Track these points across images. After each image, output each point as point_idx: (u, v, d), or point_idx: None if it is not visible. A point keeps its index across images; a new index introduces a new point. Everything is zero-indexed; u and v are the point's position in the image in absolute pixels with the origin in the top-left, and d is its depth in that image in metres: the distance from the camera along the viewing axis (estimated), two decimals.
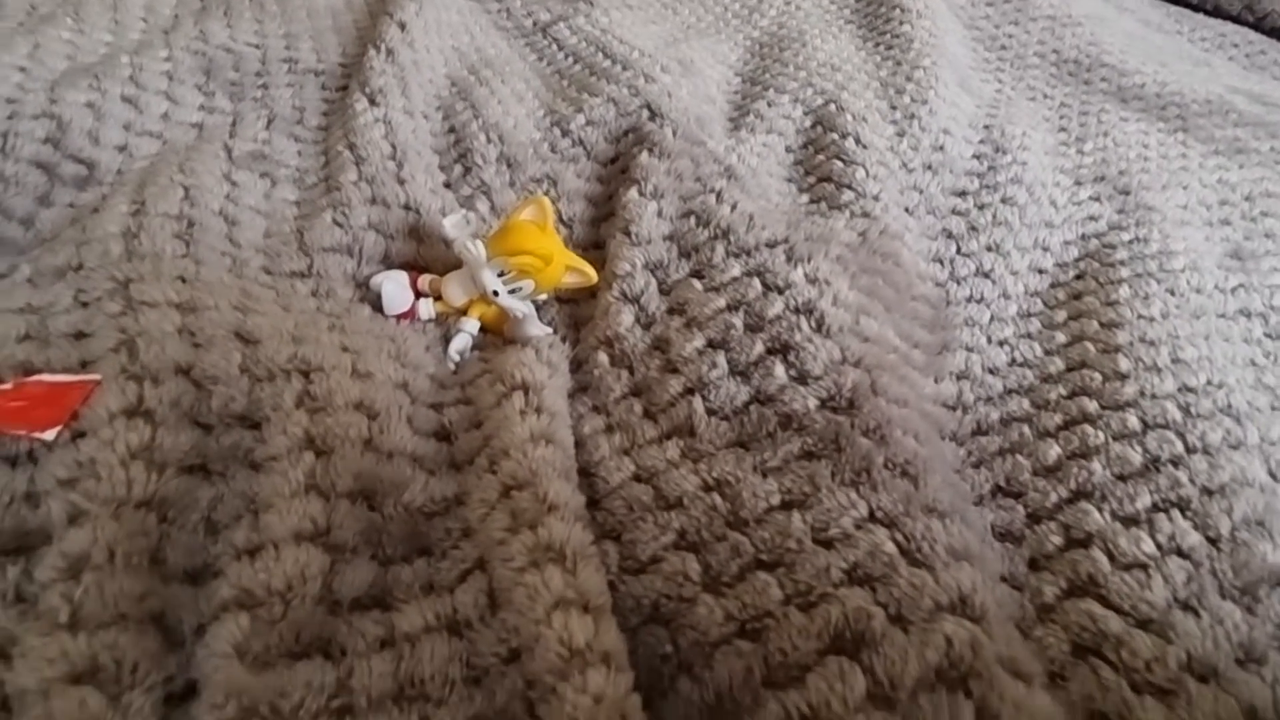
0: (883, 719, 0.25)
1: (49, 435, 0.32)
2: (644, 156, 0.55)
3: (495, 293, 0.44)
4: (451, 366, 0.44)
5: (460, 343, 0.45)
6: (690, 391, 0.40)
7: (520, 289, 0.45)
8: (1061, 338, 0.49)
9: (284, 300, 0.42)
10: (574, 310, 0.49)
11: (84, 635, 0.26)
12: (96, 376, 0.34)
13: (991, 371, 0.46)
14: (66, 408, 0.33)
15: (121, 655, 0.25)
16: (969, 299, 0.52)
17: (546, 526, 0.30)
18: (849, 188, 0.56)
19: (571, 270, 0.46)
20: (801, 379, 0.38)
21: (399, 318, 0.46)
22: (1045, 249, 0.57)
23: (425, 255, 0.50)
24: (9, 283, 0.40)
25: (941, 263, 0.55)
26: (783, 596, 0.29)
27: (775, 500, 0.33)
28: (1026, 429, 0.41)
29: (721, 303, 0.43)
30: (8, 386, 0.33)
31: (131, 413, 0.32)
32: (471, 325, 0.46)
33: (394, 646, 0.29)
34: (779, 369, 0.39)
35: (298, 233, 0.48)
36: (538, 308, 0.47)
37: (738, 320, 0.42)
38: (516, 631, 0.28)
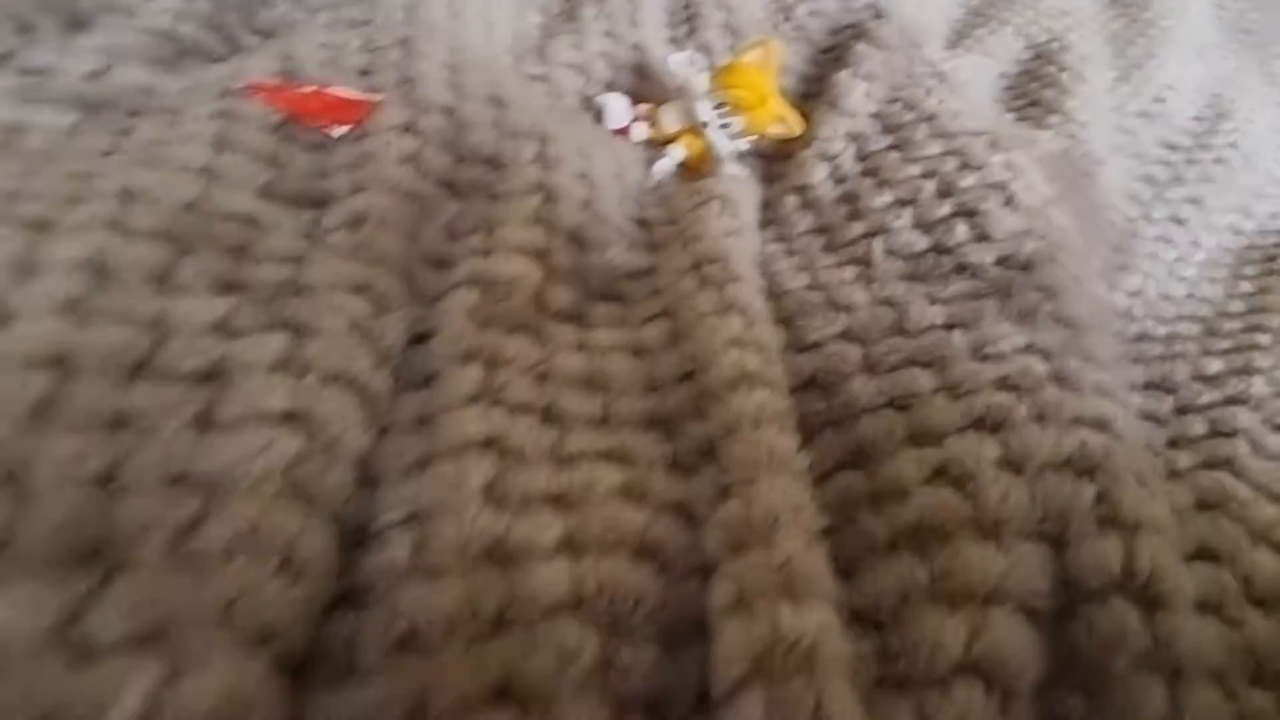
0: (1009, 480, 0.27)
1: (337, 132, 0.38)
2: (861, 46, 0.57)
3: (706, 124, 0.48)
4: (651, 184, 0.49)
5: (664, 165, 0.49)
6: (872, 234, 0.42)
7: (730, 125, 0.48)
8: (1247, 287, 0.48)
9: (525, 90, 0.47)
10: (768, 167, 0.53)
11: (359, 264, 0.31)
12: (379, 98, 0.40)
13: (1166, 298, 0.47)
14: (354, 116, 0.39)
15: (385, 283, 0.31)
16: (1157, 238, 0.52)
17: (732, 288, 0.34)
18: (1059, 112, 0.57)
19: (780, 119, 0.49)
20: (982, 238, 0.40)
21: (615, 133, 0.50)
22: (1249, 215, 0.56)
23: (644, 90, 0.55)
24: (309, 25, 0.46)
25: (1138, 202, 0.55)
26: (933, 386, 0.32)
27: (939, 320, 0.35)
28: (1191, 346, 0.42)
29: (916, 170, 0.45)
30: (311, 90, 0.40)
31: (405, 129, 0.38)
32: (677, 152, 0.50)
33: (586, 350, 0.33)
34: (961, 228, 0.41)
35: (540, 47, 0.53)
36: (738, 155, 0.51)
37: (930, 185, 0.44)
38: (693, 358, 0.32)
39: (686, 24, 0.61)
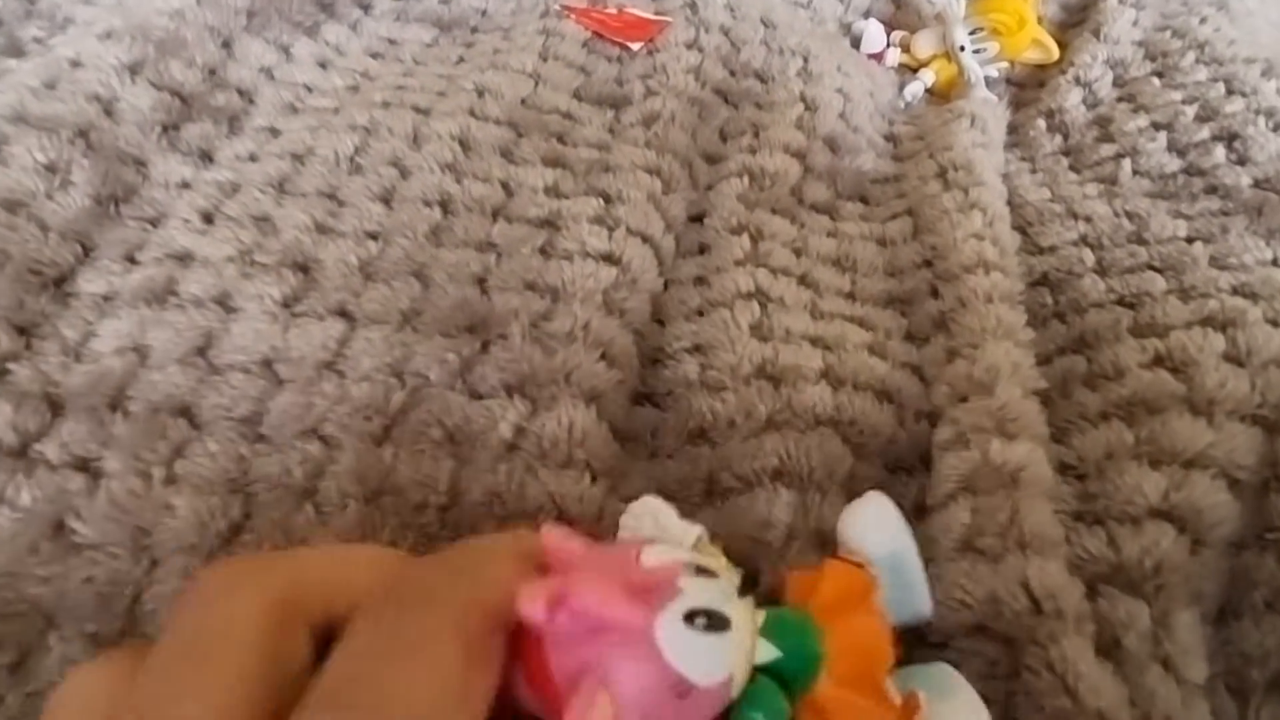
0: (1230, 369, 0.30)
1: (635, 46, 0.45)
2: None
3: (962, 48, 0.51)
4: (901, 105, 0.52)
5: (915, 88, 0.52)
6: (1121, 156, 0.44)
7: (985, 50, 0.51)
8: None
9: (791, 14, 0.52)
10: (1019, 94, 0.54)
11: (653, 152, 0.38)
12: (668, 18, 0.46)
13: None
14: (647, 33, 0.46)
15: (671, 169, 0.38)
16: None
17: (975, 191, 0.38)
18: None
19: (1036, 44, 0.51)
20: (1240, 162, 0.41)
21: (870, 56, 0.54)
22: None
23: (899, 18, 0.57)
24: None
25: None
26: (1166, 289, 0.34)
27: (1181, 233, 0.37)
28: None
29: (1177, 96, 0.46)
30: (612, 10, 0.47)
31: (690, 45, 0.45)
32: (927, 76, 0.53)
33: (836, 236, 0.38)
34: (1219, 151, 0.41)
35: None
36: (988, 82, 0.53)
37: (1189, 110, 0.44)
38: (933, 248, 0.36)
39: None
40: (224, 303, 0.29)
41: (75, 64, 0.35)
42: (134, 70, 0.36)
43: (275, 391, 0.27)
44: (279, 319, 0.29)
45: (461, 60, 0.44)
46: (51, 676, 0.22)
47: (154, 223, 0.33)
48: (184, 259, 0.31)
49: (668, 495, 0.27)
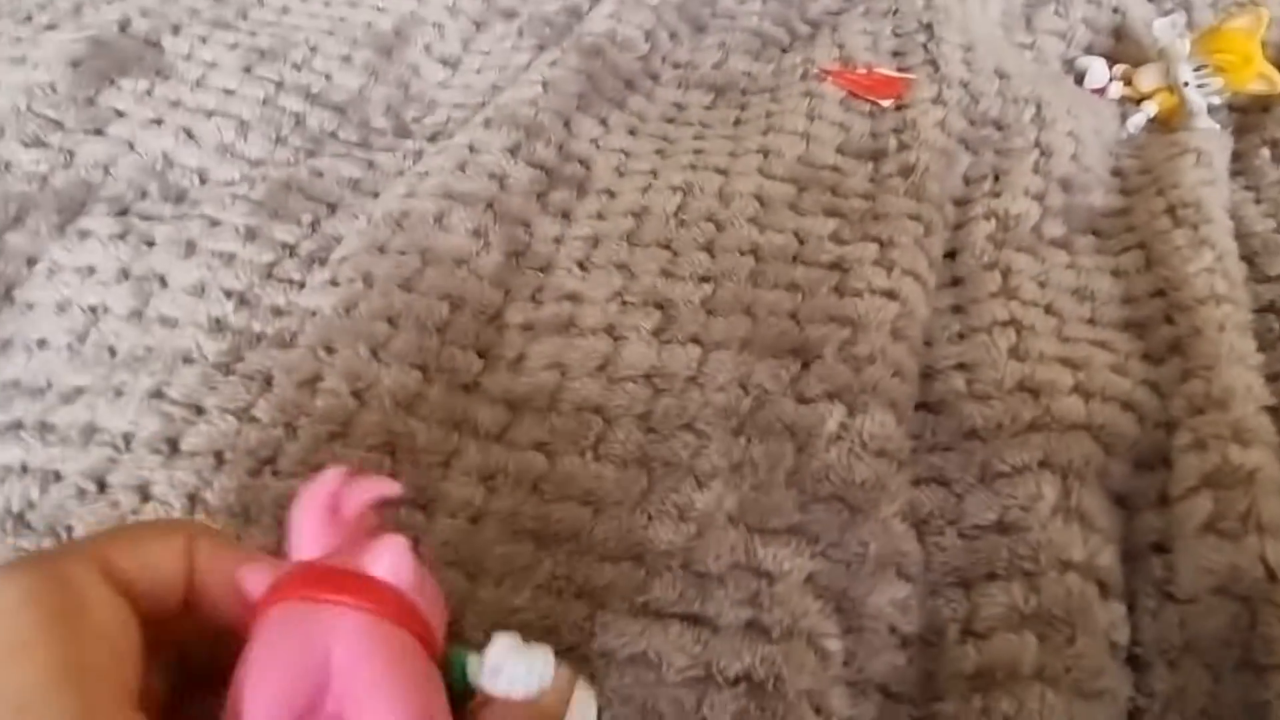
0: None
1: (885, 103, 0.53)
2: None
3: (1186, 83, 0.55)
4: (1124, 136, 0.57)
5: (1138, 120, 0.57)
6: None
7: (1207, 85, 0.55)
8: None
9: (1019, 59, 0.58)
10: (1242, 119, 0.58)
11: (912, 200, 0.46)
12: (913, 76, 0.54)
13: None
14: (895, 90, 0.54)
15: (930, 215, 0.46)
16: None
17: (1205, 229, 0.44)
18: None
19: (1261, 77, 0.55)
20: None
21: (1094, 91, 0.59)
22: None
23: (1119, 51, 0.62)
24: (850, 15, 0.62)
25: None
26: None
27: None
28: None
29: None
30: (863, 71, 0.55)
31: (934, 100, 0.52)
32: (1150, 108, 0.57)
33: (1074, 269, 0.45)
34: None
35: (1026, 16, 0.63)
36: (1210, 110, 0.57)
37: None
38: (1166, 280, 0.43)
39: None
40: (610, 332, 0.40)
41: (474, 150, 0.48)
42: (513, 151, 0.48)
43: (655, 400, 0.38)
44: (651, 345, 0.40)
45: (739, 122, 0.54)
46: None
47: (543, 270, 0.44)
48: (574, 298, 0.42)
49: (947, 480, 0.36)
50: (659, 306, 0.41)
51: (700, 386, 0.38)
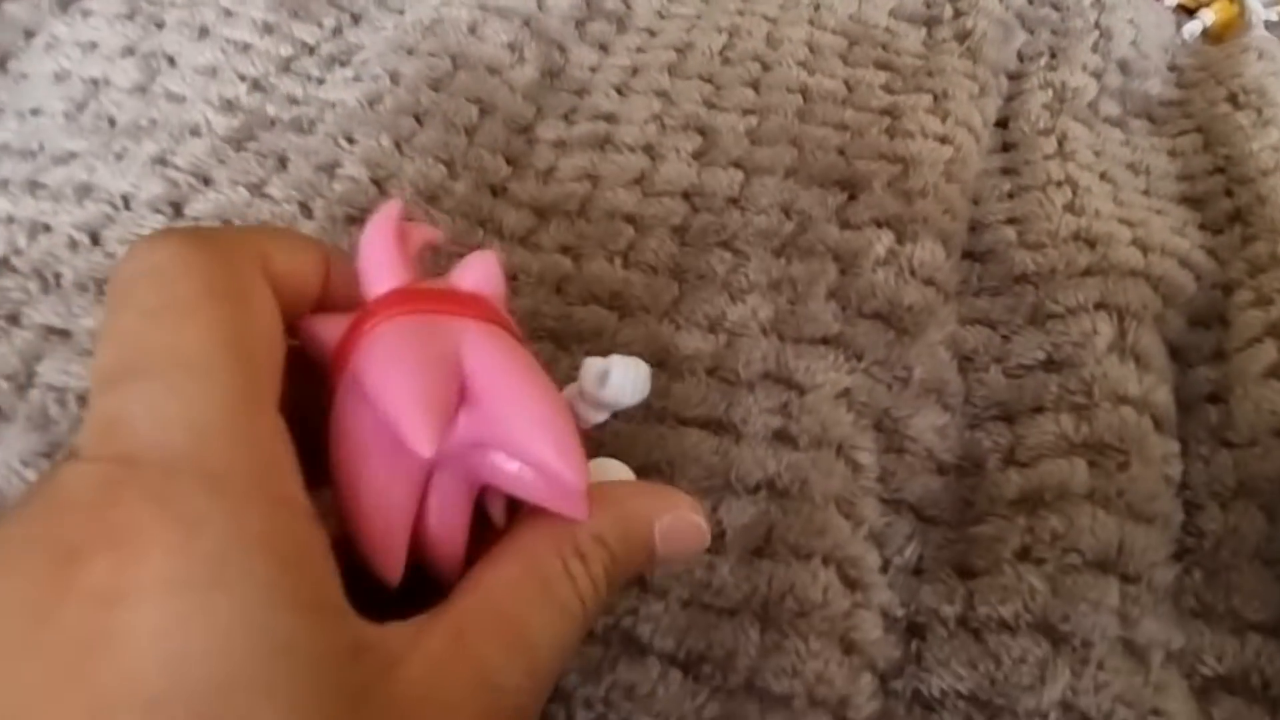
0: None
1: None
2: None
3: None
4: (1179, 43, 0.55)
5: (1193, 27, 0.55)
6: None
7: None
8: None
9: None
10: None
11: (968, 61, 0.44)
12: None
13: None
14: None
15: (984, 76, 0.44)
16: None
17: (1270, 110, 0.42)
18: None
19: None
20: None
21: None
22: None
23: None
24: None
25: None
26: None
27: None
28: None
29: None
30: None
31: None
32: (1207, 16, 0.55)
33: (1129, 146, 0.43)
34: None
35: None
36: (1267, 26, 0.55)
37: None
38: (1226, 158, 0.41)
39: None
40: (649, 151, 0.38)
41: None
42: None
43: (693, 216, 0.36)
44: (692, 165, 0.37)
45: None
46: None
47: (579, 93, 0.42)
48: (610, 119, 0.40)
49: (993, 322, 0.34)
50: (700, 132, 0.39)
51: (741, 209, 0.36)
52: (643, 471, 0.28)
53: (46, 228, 0.32)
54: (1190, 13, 0.57)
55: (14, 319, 0.29)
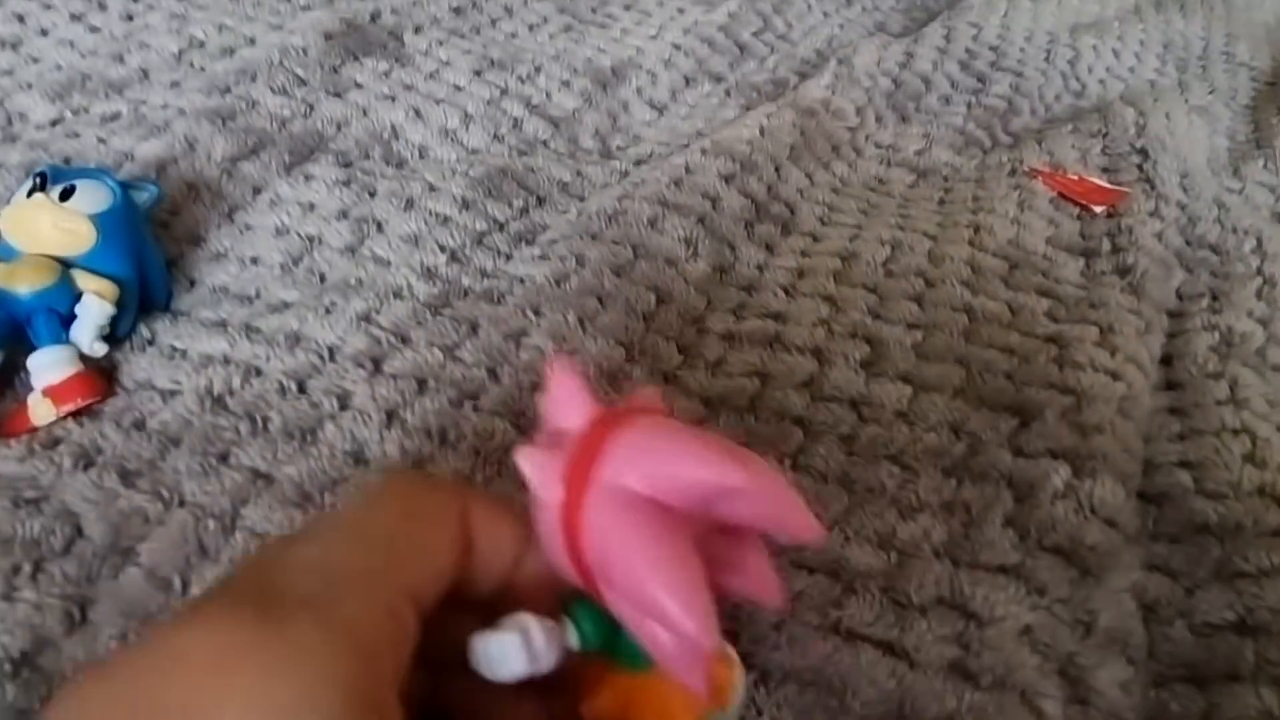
0: None
1: (1097, 209, 0.52)
2: None
3: None
4: None
5: None
6: None
7: None
8: None
9: (1239, 202, 0.57)
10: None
11: (1130, 296, 0.45)
12: (1127, 190, 0.54)
13: None
14: (1108, 200, 0.53)
15: (1149, 314, 0.44)
16: None
17: None
18: None
19: None
20: None
21: None
22: None
23: None
24: (1057, 132, 0.62)
25: None
26: None
27: None
28: None
29: None
30: (1074, 177, 0.55)
31: (1152, 214, 0.51)
32: None
33: None
34: None
35: (1233, 166, 0.63)
36: None
37: None
38: None
39: None
40: (817, 355, 0.39)
41: (689, 171, 0.49)
42: (728, 179, 0.49)
43: (864, 426, 0.36)
44: (860, 374, 0.38)
45: (943, 201, 0.54)
46: None
47: (747, 289, 0.44)
48: (779, 318, 0.41)
49: (1174, 572, 0.33)
50: (868, 341, 0.40)
51: (910, 423, 0.36)
52: (815, 686, 0.27)
53: (258, 372, 0.35)
54: None
55: (224, 458, 0.31)
